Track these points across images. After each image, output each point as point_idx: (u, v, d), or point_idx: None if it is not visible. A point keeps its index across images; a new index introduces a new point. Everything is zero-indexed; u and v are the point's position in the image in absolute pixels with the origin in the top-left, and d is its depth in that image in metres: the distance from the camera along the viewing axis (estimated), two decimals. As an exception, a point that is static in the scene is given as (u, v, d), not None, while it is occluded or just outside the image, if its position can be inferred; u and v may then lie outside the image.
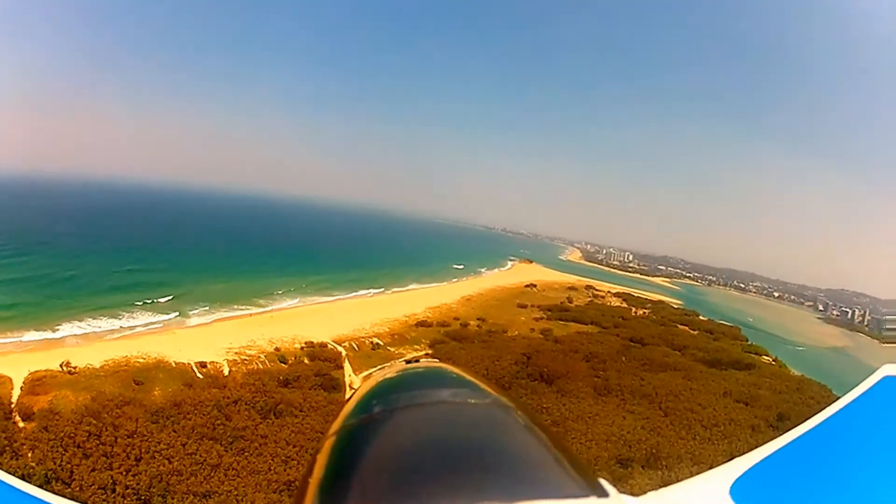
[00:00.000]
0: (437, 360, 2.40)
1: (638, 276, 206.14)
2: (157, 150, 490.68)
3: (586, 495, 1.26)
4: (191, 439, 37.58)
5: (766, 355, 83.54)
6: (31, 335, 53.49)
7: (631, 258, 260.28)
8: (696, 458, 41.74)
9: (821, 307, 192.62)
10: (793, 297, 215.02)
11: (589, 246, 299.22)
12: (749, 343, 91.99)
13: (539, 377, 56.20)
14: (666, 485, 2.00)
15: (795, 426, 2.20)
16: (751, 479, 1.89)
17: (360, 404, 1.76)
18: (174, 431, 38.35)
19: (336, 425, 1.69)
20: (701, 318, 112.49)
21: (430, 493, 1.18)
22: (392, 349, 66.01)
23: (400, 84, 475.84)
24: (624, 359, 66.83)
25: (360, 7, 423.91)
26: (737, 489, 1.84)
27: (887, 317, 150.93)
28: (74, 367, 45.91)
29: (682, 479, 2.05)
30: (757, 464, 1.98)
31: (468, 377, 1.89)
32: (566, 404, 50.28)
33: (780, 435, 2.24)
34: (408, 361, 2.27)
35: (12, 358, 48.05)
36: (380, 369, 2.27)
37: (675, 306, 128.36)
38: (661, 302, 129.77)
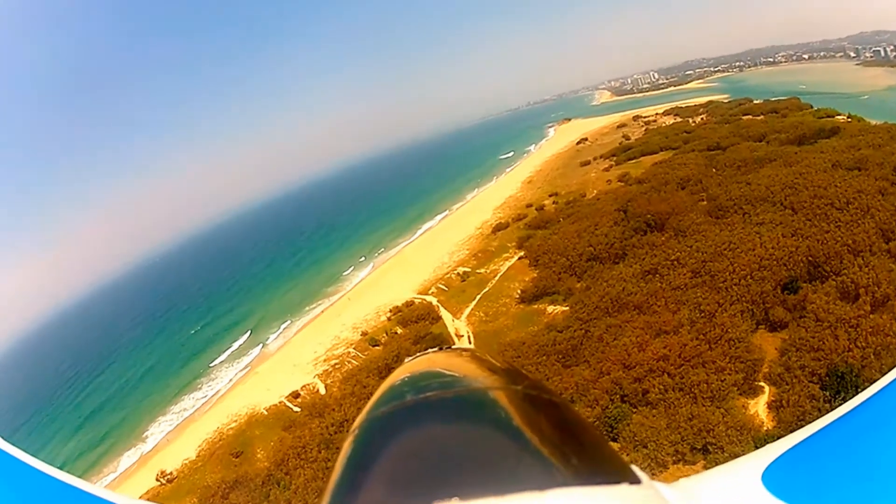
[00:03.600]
0: (468, 347, 2.65)
1: (672, 89, 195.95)
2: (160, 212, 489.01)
3: (618, 482, 1.22)
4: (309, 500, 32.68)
5: (839, 114, 75.95)
6: (125, 460, 49.31)
7: (657, 76, 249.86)
8: (854, 246, 36.35)
9: (852, 54, 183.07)
10: (822, 53, 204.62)
11: (613, 82, 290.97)
12: (816, 109, 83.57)
13: (647, 227, 49.28)
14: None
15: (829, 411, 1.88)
16: (783, 466, 1.71)
17: (391, 392, 1.68)
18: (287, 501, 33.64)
19: (367, 412, 1.61)
20: (756, 101, 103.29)
21: (461, 480, 1.15)
22: (482, 271, 58.76)
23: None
24: (715, 170, 59.26)
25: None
26: (769, 475, 1.66)
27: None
28: (171, 473, 41.75)
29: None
30: (789, 450, 1.77)
31: (498, 364, 1.81)
32: (692, 245, 43.21)
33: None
34: (440, 348, 2.18)
35: (117, 492, 43.96)
36: (413, 358, 2.02)
37: (726, 101, 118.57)
38: (711, 102, 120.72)
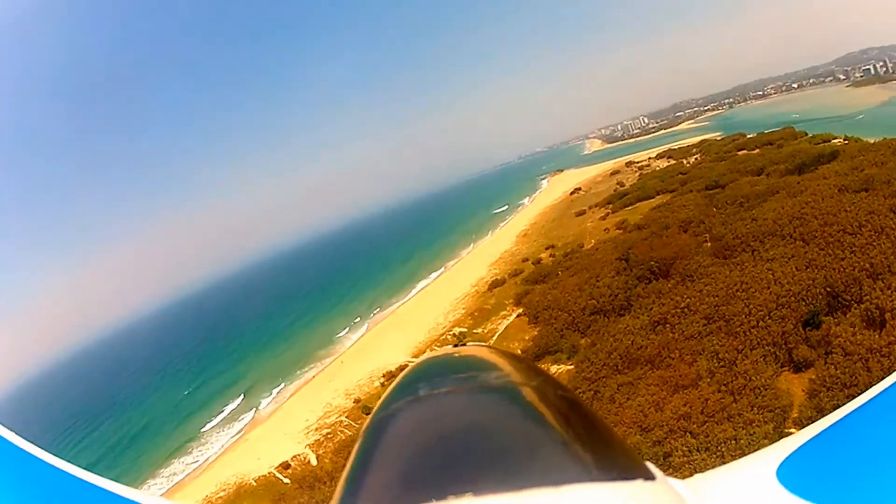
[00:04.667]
0: (484, 344, 2.46)
1: (663, 132, 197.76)
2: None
3: (633, 478, 1.25)
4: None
5: (836, 137, 75.52)
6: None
7: (647, 121, 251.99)
8: (873, 270, 34.70)
9: (841, 76, 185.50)
10: (811, 80, 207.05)
11: (603, 130, 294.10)
12: (812, 135, 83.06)
13: (651, 274, 47.60)
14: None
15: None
16: (798, 461, 1.74)
17: (405, 387, 1.72)
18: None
19: (381, 408, 1.67)
20: (749, 136, 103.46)
21: (474, 476, 1.18)
22: (479, 331, 56.87)
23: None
24: (716, 209, 57.91)
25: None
26: (784, 471, 1.69)
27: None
28: (158, 547, 39.85)
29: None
30: (803, 445, 1.80)
31: (512, 359, 1.84)
32: (702, 289, 41.33)
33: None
34: (455, 345, 2.28)
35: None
36: (426, 355, 2.13)
37: (719, 139, 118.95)
38: (704, 141, 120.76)
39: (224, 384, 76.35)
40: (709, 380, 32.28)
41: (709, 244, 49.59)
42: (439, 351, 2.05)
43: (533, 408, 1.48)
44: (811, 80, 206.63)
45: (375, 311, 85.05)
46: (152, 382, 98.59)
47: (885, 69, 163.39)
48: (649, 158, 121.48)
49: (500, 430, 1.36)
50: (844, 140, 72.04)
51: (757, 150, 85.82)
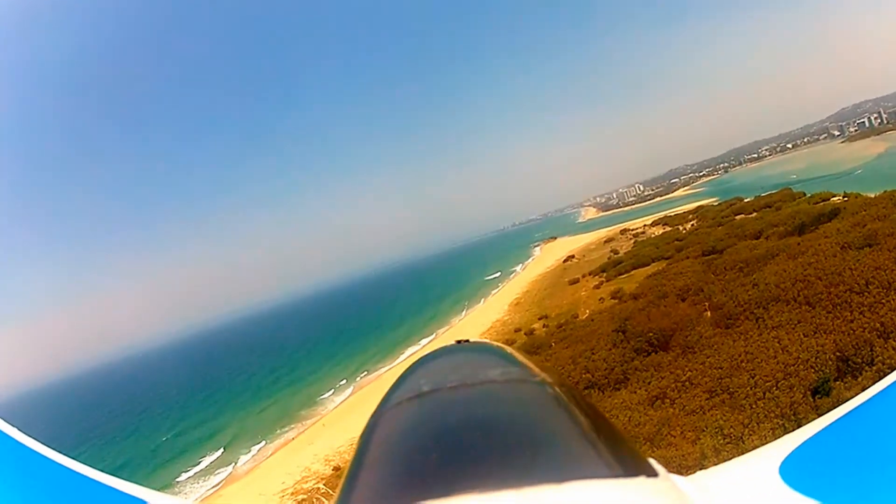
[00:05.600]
0: (487, 341, 2.28)
1: (658, 199, 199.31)
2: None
3: (635, 475, 1.24)
4: None
5: (835, 195, 75.54)
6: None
7: (642, 188, 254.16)
8: (883, 329, 33.19)
9: (836, 133, 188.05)
10: (805, 139, 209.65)
11: (598, 198, 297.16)
12: (810, 195, 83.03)
13: (649, 346, 45.69)
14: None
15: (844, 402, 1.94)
16: (800, 458, 1.75)
17: (408, 384, 1.70)
18: None
19: (386, 403, 1.66)
20: (746, 199, 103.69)
21: (477, 472, 1.18)
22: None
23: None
24: (715, 276, 56.27)
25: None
26: (786, 468, 1.69)
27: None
28: None
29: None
30: (806, 442, 1.83)
31: (516, 356, 1.81)
32: (704, 361, 39.45)
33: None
34: (458, 342, 2.13)
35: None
36: (431, 351, 2.05)
37: (715, 204, 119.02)
38: (700, 206, 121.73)
39: (204, 434, 76.87)
40: (714, 459, 30.33)
41: (709, 313, 48.18)
42: (443, 347, 2.00)
43: (536, 404, 1.50)
44: (806, 139, 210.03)
45: (362, 375, 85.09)
46: (131, 423, 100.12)
47: (879, 121, 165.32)
48: (644, 225, 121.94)
49: (504, 427, 1.35)
50: (844, 197, 71.91)
51: (755, 214, 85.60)
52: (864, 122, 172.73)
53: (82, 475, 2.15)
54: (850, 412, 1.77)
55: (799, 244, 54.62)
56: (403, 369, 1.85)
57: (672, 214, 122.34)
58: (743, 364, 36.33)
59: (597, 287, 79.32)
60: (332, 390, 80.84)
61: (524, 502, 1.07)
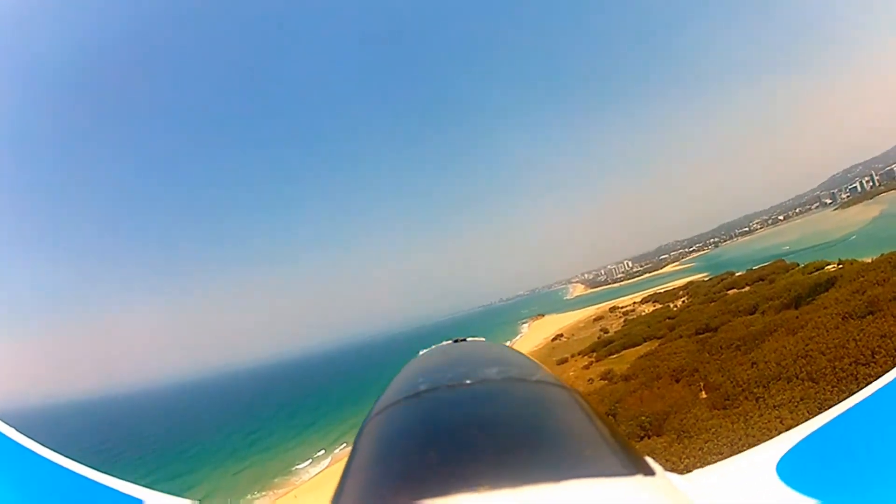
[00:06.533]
0: (483, 339, 2.46)
1: (648, 275, 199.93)
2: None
3: (632, 473, 1.27)
4: None
5: (830, 264, 74.50)
6: None
7: (631, 264, 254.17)
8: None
9: (828, 200, 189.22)
10: (797, 209, 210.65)
11: (586, 274, 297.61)
12: (805, 265, 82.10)
13: (642, 430, 42.93)
14: None
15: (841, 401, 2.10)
16: (797, 456, 1.88)
17: (406, 382, 1.75)
18: None
19: (382, 402, 1.69)
20: (738, 273, 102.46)
21: (475, 470, 1.20)
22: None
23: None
24: (710, 355, 53.94)
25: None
26: (783, 466, 1.82)
27: (893, 166, 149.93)
28: None
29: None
30: (803, 440, 1.95)
31: (514, 355, 1.90)
32: (702, 446, 36.70)
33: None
34: (455, 340, 2.32)
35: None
36: (428, 349, 2.19)
37: (706, 279, 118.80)
38: (691, 283, 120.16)
39: (176, 489, 72.10)
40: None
41: (705, 394, 45.81)
42: (440, 345, 2.06)
43: (534, 403, 1.51)
44: (797, 210, 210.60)
45: (342, 447, 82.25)
46: (103, 466, 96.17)
47: (871, 184, 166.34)
48: (634, 303, 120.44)
49: (501, 425, 1.37)
50: (839, 264, 70.75)
51: (748, 288, 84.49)
52: (855, 186, 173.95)
53: (81, 475, 2.29)
54: (846, 411, 1.82)
55: (797, 317, 52.15)
56: (402, 368, 1.89)
57: (662, 291, 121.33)
58: (744, 448, 33.67)
59: (586, 367, 76.90)
60: (310, 460, 79.07)
61: (521, 501, 1.08)
